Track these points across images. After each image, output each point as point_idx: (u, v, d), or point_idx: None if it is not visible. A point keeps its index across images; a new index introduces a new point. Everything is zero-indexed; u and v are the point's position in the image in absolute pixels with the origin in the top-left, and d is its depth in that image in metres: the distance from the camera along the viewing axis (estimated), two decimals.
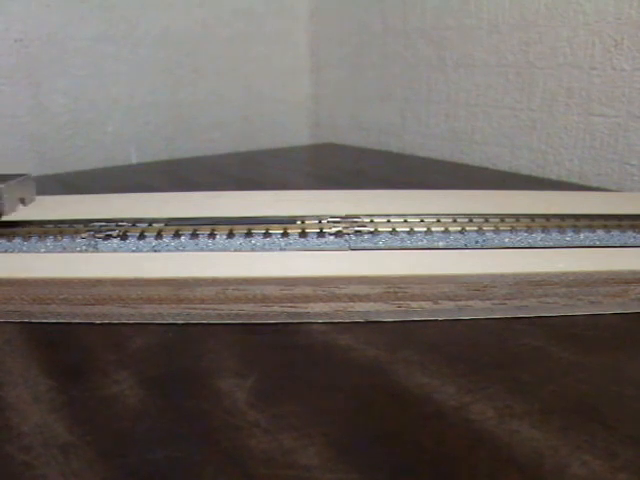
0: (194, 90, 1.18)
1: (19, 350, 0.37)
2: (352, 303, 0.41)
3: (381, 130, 1.20)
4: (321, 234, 0.49)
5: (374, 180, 0.91)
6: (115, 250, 0.46)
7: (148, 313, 0.41)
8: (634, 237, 0.49)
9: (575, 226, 0.50)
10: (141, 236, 0.48)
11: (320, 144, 1.32)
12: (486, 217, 0.51)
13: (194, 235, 0.48)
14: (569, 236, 0.49)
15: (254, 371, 0.35)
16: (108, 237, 0.48)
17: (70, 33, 1.01)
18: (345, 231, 0.49)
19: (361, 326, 0.41)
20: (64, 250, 0.46)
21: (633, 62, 0.78)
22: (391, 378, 0.34)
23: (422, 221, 0.51)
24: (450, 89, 1.04)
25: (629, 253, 0.47)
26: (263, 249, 0.47)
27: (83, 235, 0.48)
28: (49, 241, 0.47)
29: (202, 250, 0.46)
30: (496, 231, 0.49)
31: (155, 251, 0.46)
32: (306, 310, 0.41)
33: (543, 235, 0.49)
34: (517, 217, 0.52)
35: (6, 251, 0.46)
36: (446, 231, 0.49)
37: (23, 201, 0.57)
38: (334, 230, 0.49)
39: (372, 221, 0.51)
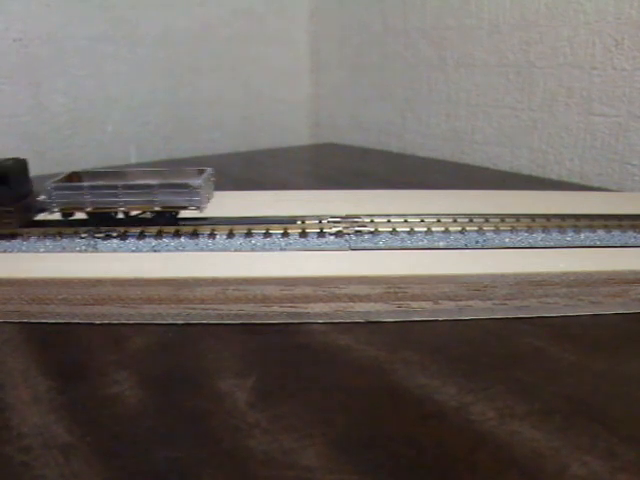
0: (194, 90, 1.17)
1: (18, 350, 0.37)
2: (352, 303, 0.41)
3: (381, 130, 1.20)
4: (321, 234, 0.48)
5: (374, 180, 0.91)
6: (115, 250, 0.46)
7: (148, 313, 0.41)
8: (635, 237, 0.49)
9: (576, 226, 0.50)
10: (141, 236, 0.48)
11: (320, 144, 1.32)
12: (486, 217, 0.51)
13: (194, 235, 0.48)
14: (570, 236, 0.49)
15: (254, 371, 0.35)
16: (108, 237, 0.48)
17: (70, 33, 1.01)
18: (345, 231, 0.49)
19: (361, 326, 0.41)
20: (63, 250, 0.46)
21: (634, 62, 0.78)
22: (391, 378, 0.34)
23: (422, 221, 0.51)
24: (450, 89, 1.04)
25: (630, 253, 0.46)
26: (263, 249, 0.47)
27: (82, 235, 0.48)
28: (48, 241, 0.47)
29: (202, 250, 0.46)
30: (496, 231, 0.49)
31: (155, 251, 0.46)
32: (306, 310, 0.41)
33: (544, 235, 0.49)
34: (517, 217, 0.52)
35: (5, 251, 0.46)
36: (446, 231, 0.49)
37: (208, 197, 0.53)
38: (334, 230, 0.49)
39: (372, 221, 0.51)
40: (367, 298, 0.41)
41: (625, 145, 0.80)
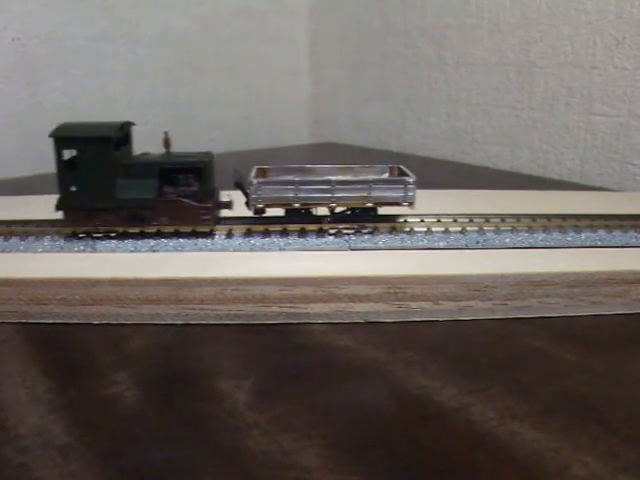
0: (193, 89, 1.17)
1: (17, 351, 0.37)
2: (352, 303, 0.41)
3: (381, 129, 1.20)
4: (321, 234, 0.48)
5: None
6: (113, 250, 0.46)
7: (147, 313, 0.41)
8: (636, 237, 0.49)
9: (576, 226, 0.50)
10: (140, 236, 0.48)
11: (320, 143, 1.32)
12: (487, 217, 0.51)
13: (193, 235, 0.48)
14: (570, 236, 0.49)
15: (253, 372, 0.35)
16: (106, 237, 0.48)
17: (69, 32, 1.00)
18: (345, 231, 0.49)
19: (361, 327, 0.41)
20: (62, 250, 0.46)
21: (635, 61, 0.78)
22: (391, 379, 0.34)
23: (422, 221, 0.50)
24: (450, 88, 1.04)
25: (631, 253, 0.46)
26: (262, 249, 0.46)
27: (81, 235, 0.48)
28: (46, 241, 0.47)
29: (201, 250, 0.46)
30: (497, 231, 0.49)
31: (154, 251, 0.46)
32: (306, 310, 0.41)
33: (544, 235, 0.49)
34: (518, 217, 0.51)
35: (3, 251, 0.46)
36: (446, 231, 0.49)
37: None
38: (334, 230, 0.49)
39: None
40: (367, 298, 0.41)
41: (626, 145, 0.80)
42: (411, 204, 0.47)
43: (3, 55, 0.95)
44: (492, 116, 0.98)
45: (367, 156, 1.14)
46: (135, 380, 0.34)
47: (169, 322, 0.41)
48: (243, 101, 1.24)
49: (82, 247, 0.46)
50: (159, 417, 0.31)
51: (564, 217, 0.52)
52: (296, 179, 0.47)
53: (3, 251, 0.46)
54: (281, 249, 0.46)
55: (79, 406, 0.32)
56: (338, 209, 0.49)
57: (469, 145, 1.03)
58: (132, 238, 0.47)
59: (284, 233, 0.48)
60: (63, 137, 0.46)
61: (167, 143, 0.49)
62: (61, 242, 0.47)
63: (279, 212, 0.49)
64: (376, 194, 0.47)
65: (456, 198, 0.61)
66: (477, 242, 0.48)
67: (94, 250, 0.46)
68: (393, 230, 0.48)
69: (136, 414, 0.31)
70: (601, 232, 0.49)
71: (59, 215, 0.48)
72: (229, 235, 0.48)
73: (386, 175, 0.49)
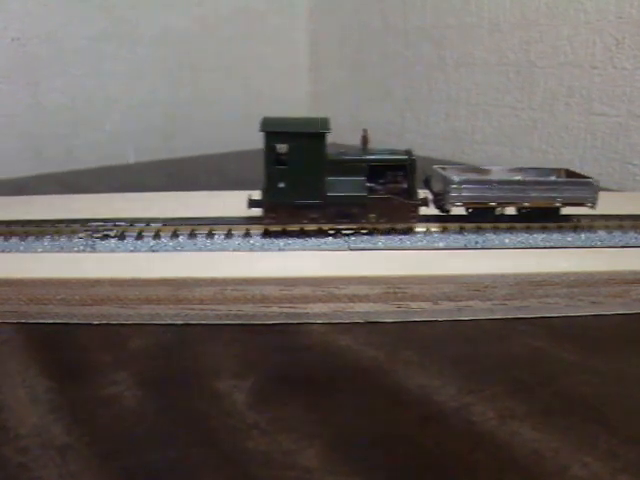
0: (193, 89, 1.17)
1: (16, 351, 0.37)
2: (351, 303, 0.41)
3: (381, 129, 1.20)
4: (320, 234, 0.48)
5: None
6: (113, 250, 0.46)
7: (146, 313, 0.41)
8: (636, 237, 0.49)
9: (576, 226, 0.50)
10: (139, 236, 0.48)
11: None
12: None
13: (192, 235, 0.48)
14: (570, 236, 0.49)
15: (253, 372, 0.35)
16: (106, 237, 0.47)
17: (68, 32, 1.00)
18: (344, 231, 0.49)
19: (361, 327, 0.41)
20: (61, 250, 0.46)
21: (634, 61, 0.78)
22: (391, 379, 0.34)
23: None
24: (450, 88, 1.04)
25: (631, 253, 0.46)
26: (262, 249, 0.46)
27: (81, 235, 0.48)
28: (46, 241, 0.47)
29: (200, 250, 0.46)
30: (496, 231, 0.49)
31: (153, 251, 0.46)
32: (305, 310, 0.41)
33: (544, 235, 0.49)
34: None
35: (3, 251, 0.46)
36: (446, 231, 0.49)
37: None
38: (333, 230, 0.49)
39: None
40: (366, 298, 0.41)
41: (626, 145, 0.80)
42: (593, 205, 0.49)
43: (3, 55, 0.95)
44: (492, 116, 0.98)
45: None
46: (135, 380, 0.34)
47: (169, 322, 0.41)
48: (243, 101, 1.24)
49: (82, 247, 0.46)
50: (158, 417, 0.31)
51: (563, 217, 0.52)
52: (494, 179, 0.49)
53: (3, 251, 0.46)
54: (280, 249, 0.46)
55: (79, 406, 0.32)
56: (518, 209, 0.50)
57: (469, 145, 1.03)
58: (131, 238, 0.47)
59: (283, 233, 0.48)
60: (276, 132, 0.46)
61: (365, 140, 0.49)
62: (61, 242, 0.47)
63: (458, 211, 0.50)
64: (565, 194, 0.49)
65: None
66: (476, 242, 0.48)
67: (94, 250, 0.46)
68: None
69: (136, 414, 0.31)
70: (601, 232, 0.49)
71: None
72: (228, 235, 0.48)
73: (553, 177, 0.52)
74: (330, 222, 0.47)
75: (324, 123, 0.46)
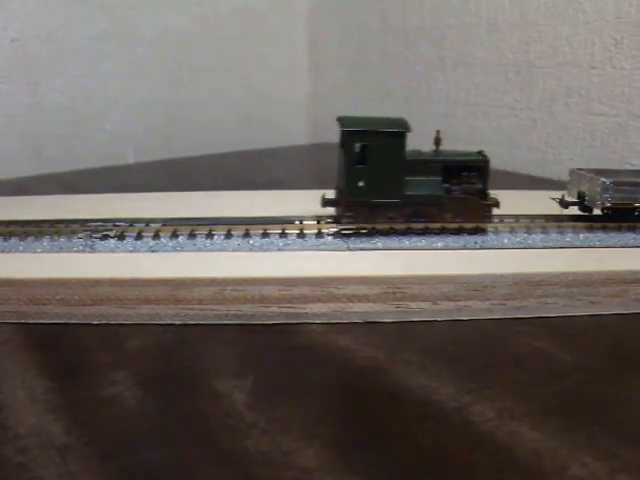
0: (192, 89, 1.17)
1: (16, 351, 0.37)
2: (351, 303, 0.41)
3: None
4: (319, 234, 0.48)
5: None
6: (112, 250, 0.46)
7: (146, 314, 0.41)
8: (634, 237, 0.49)
9: (575, 226, 0.50)
10: (138, 236, 0.48)
11: (319, 143, 1.31)
12: None
13: (192, 235, 0.48)
14: (569, 236, 0.49)
15: (252, 372, 0.35)
16: (105, 237, 0.48)
17: (68, 32, 1.00)
18: (344, 232, 0.49)
19: (360, 327, 0.41)
20: (61, 250, 0.46)
21: (633, 61, 0.78)
22: (390, 379, 0.34)
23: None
24: (449, 88, 1.04)
25: (629, 253, 0.46)
26: (261, 249, 0.46)
27: (80, 235, 0.48)
28: (46, 241, 0.47)
29: (200, 250, 0.46)
30: (495, 231, 0.49)
31: (153, 251, 0.46)
32: (304, 311, 0.41)
33: (543, 236, 0.49)
34: (517, 217, 0.51)
35: (2, 251, 0.46)
36: (445, 231, 0.49)
37: None
38: (332, 230, 0.49)
39: None
40: (366, 298, 0.41)
41: (624, 145, 0.80)
42: None
43: (3, 55, 0.95)
44: (491, 116, 0.98)
45: None
46: (134, 380, 0.34)
47: (168, 322, 0.41)
48: (243, 101, 1.24)
49: (81, 247, 0.46)
50: (158, 417, 0.31)
51: (563, 217, 0.52)
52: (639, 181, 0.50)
53: (2, 251, 0.46)
54: (280, 249, 0.46)
55: (78, 406, 0.32)
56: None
57: (468, 145, 1.02)
58: (131, 238, 0.47)
59: (283, 233, 0.48)
60: (357, 131, 0.46)
61: (438, 141, 0.49)
62: (60, 242, 0.47)
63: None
64: None
65: None
66: (475, 242, 0.48)
67: (93, 250, 0.46)
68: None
69: (135, 414, 0.31)
70: (599, 232, 0.50)
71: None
72: (228, 235, 0.48)
73: None
74: (406, 222, 0.48)
75: (403, 123, 0.47)
